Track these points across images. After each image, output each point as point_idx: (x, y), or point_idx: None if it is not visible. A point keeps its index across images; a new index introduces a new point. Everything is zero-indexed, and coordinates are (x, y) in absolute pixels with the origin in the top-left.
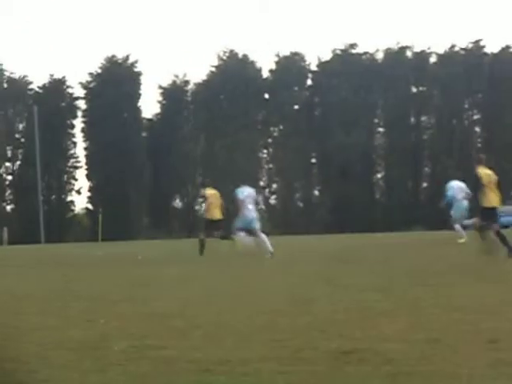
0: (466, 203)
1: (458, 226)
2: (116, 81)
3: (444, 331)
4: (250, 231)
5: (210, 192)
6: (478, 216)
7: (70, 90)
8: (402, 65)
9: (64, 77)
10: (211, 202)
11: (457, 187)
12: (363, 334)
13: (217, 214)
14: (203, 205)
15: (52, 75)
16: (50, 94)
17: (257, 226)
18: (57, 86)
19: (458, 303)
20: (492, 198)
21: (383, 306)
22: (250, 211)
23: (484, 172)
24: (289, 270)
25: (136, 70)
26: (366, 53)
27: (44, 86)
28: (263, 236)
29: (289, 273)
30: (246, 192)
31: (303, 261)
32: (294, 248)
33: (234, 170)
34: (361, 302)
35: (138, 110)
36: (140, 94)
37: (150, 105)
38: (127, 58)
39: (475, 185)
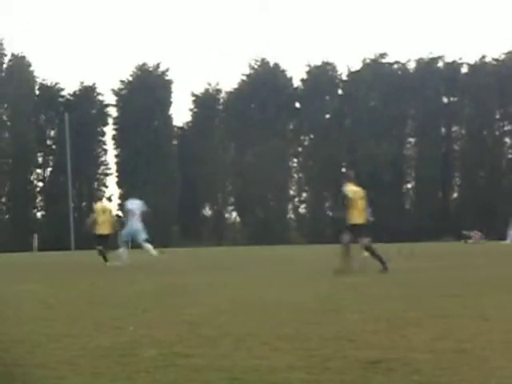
0: None
1: None
2: (147, 88)
3: (472, 341)
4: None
5: (99, 206)
6: (345, 232)
7: (100, 98)
8: (433, 75)
9: (94, 84)
10: (98, 216)
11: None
12: (391, 343)
13: (105, 229)
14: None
15: (82, 82)
16: (80, 101)
17: (142, 236)
18: (87, 93)
19: (486, 313)
20: (356, 216)
21: (411, 316)
22: (136, 222)
23: (351, 189)
24: (317, 279)
25: (167, 78)
26: (396, 62)
27: (75, 93)
28: (147, 246)
29: (317, 282)
30: (134, 204)
31: (332, 270)
32: (323, 257)
33: (263, 178)
34: (389, 312)
35: (169, 118)
36: (171, 102)
37: (181, 113)
38: (158, 66)
39: (343, 202)
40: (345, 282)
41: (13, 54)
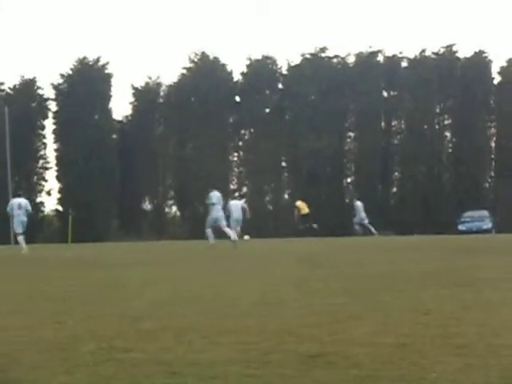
0: None
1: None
2: (87, 82)
3: (412, 336)
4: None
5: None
6: None
7: (40, 91)
8: (372, 69)
9: (35, 77)
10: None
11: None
12: (332, 337)
13: None
14: None
15: (23, 76)
16: (20, 94)
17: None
18: (27, 87)
19: (426, 308)
20: None
21: (352, 310)
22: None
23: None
24: (258, 273)
25: (107, 71)
26: (336, 56)
27: (15, 87)
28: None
29: (258, 276)
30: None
31: (272, 264)
32: (264, 251)
33: (204, 172)
34: (330, 306)
35: (109, 112)
36: (111, 96)
37: (121, 107)
38: (98, 59)
39: None
40: (287, 275)
41: None
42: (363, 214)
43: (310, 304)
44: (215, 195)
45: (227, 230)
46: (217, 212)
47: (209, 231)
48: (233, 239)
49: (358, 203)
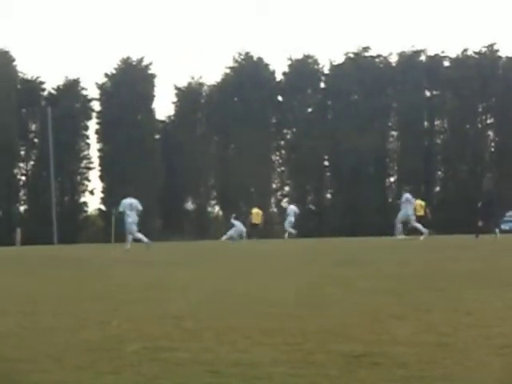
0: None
1: None
2: (130, 82)
3: (455, 335)
4: None
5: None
6: None
7: (84, 92)
8: (415, 68)
9: (78, 78)
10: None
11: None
12: (375, 337)
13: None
14: None
15: (67, 76)
16: (64, 95)
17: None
18: (71, 87)
19: (469, 307)
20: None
21: (395, 310)
22: None
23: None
24: (301, 273)
25: (150, 71)
26: (379, 56)
27: (58, 87)
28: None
29: (301, 275)
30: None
31: (315, 263)
32: (306, 250)
33: (246, 172)
34: (373, 305)
35: (151, 112)
36: (154, 96)
37: (164, 107)
38: (142, 59)
39: None
40: (329, 274)
41: None
42: (292, 219)
43: (352, 303)
44: (126, 203)
45: (139, 235)
46: (128, 218)
47: (130, 237)
48: (146, 242)
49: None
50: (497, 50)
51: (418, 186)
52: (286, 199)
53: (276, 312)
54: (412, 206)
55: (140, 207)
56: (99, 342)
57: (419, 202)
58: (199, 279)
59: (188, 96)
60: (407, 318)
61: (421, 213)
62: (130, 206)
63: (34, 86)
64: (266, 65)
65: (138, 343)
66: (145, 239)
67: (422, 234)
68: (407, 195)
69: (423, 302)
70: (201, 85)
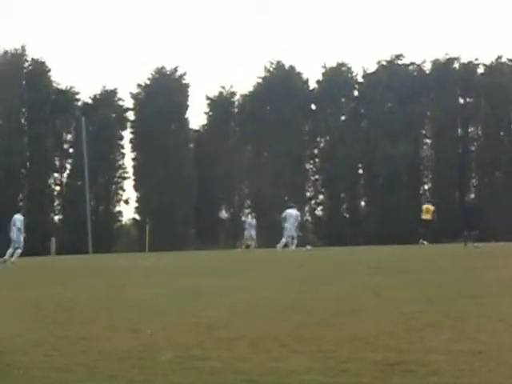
0: None
1: None
2: (164, 92)
3: (489, 343)
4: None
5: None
6: None
7: (120, 102)
8: (449, 76)
9: (116, 88)
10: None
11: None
12: (409, 345)
13: None
14: None
15: (104, 87)
16: (99, 105)
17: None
18: (107, 97)
19: (502, 314)
20: None
21: (429, 318)
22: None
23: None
24: (335, 281)
25: (184, 81)
26: (412, 63)
27: (94, 97)
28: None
29: (335, 284)
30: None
31: (350, 272)
32: (341, 259)
33: (280, 180)
34: (406, 314)
35: (185, 121)
36: (188, 106)
37: (197, 116)
38: (176, 69)
39: None
40: (363, 283)
41: (32, 59)
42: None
43: (386, 312)
44: (18, 219)
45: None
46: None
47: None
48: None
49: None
50: None
51: (452, 194)
52: (320, 207)
53: (311, 320)
54: (295, 221)
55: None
56: (132, 350)
57: (427, 206)
58: (234, 288)
59: (220, 105)
60: (441, 325)
61: (427, 217)
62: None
63: (68, 96)
64: (299, 73)
65: (171, 352)
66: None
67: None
68: (291, 211)
69: (457, 310)
70: (232, 94)
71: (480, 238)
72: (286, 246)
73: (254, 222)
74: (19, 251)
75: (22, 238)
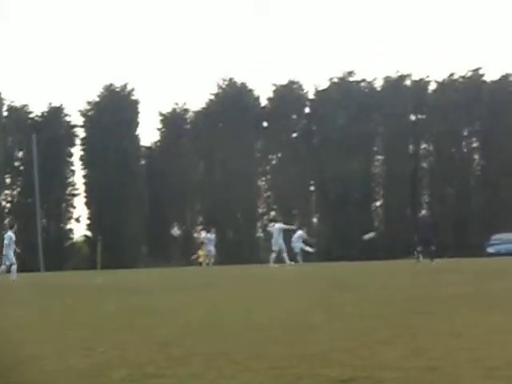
0: None
1: None
2: (114, 109)
3: (443, 359)
4: None
5: None
6: None
7: (68, 119)
8: (400, 93)
9: (62, 105)
10: None
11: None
12: (363, 361)
13: None
14: None
15: (50, 103)
16: (48, 122)
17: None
18: (55, 115)
19: (457, 331)
20: None
21: (382, 334)
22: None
23: None
24: (287, 298)
25: (134, 98)
26: (364, 80)
27: (43, 114)
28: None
29: (287, 300)
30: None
31: (302, 288)
32: (293, 275)
33: (232, 197)
34: (359, 330)
35: (136, 138)
36: (138, 122)
37: (149, 133)
38: (125, 86)
39: None
40: (316, 299)
41: None
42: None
43: (339, 328)
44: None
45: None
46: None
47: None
48: None
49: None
50: (482, 75)
51: (404, 210)
52: (271, 224)
53: (264, 337)
54: (281, 235)
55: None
56: (85, 369)
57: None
58: (187, 305)
59: (172, 122)
60: (394, 342)
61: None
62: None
63: (20, 113)
64: (250, 90)
65: (124, 370)
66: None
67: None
68: (274, 225)
69: (411, 326)
70: (185, 111)
71: (435, 254)
72: (281, 261)
73: (213, 236)
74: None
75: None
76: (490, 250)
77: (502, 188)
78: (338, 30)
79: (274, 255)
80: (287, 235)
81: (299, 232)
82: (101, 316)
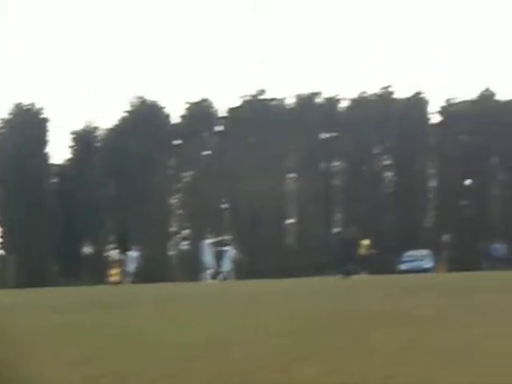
0: None
1: None
2: (23, 127)
3: (358, 375)
4: None
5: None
6: None
7: None
8: (312, 111)
9: None
10: None
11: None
12: (281, 379)
13: None
14: None
15: None
16: None
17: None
18: None
19: (368, 347)
20: None
21: (299, 351)
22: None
23: None
24: (204, 315)
25: (43, 116)
26: (275, 99)
27: None
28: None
29: (204, 318)
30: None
31: (219, 305)
32: (205, 293)
33: (144, 215)
34: (275, 347)
35: (45, 156)
36: (47, 140)
37: (61, 151)
38: (33, 104)
39: None
40: (231, 316)
41: None
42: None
43: (257, 346)
44: None
45: None
46: None
47: None
48: None
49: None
50: (393, 92)
51: (317, 228)
52: (184, 242)
53: (180, 355)
54: (208, 253)
55: None
56: None
57: (365, 242)
58: (100, 324)
59: (84, 140)
60: (312, 358)
61: (364, 252)
62: None
63: None
64: (161, 108)
65: None
66: None
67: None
68: (208, 242)
69: (327, 343)
70: (96, 128)
71: (354, 271)
72: (224, 278)
73: (135, 254)
74: None
75: None
76: (403, 266)
77: (413, 205)
78: (249, 47)
79: (209, 272)
80: (216, 252)
81: (227, 249)
82: (14, 335)
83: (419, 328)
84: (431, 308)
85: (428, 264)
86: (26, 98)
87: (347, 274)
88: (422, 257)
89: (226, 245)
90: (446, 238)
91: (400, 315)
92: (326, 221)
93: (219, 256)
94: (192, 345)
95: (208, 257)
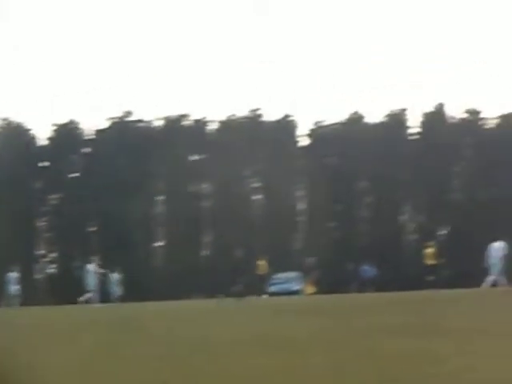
0: None
1: None
2: None
3: None
4: None
5: None
6: None
7: None
8: (180, 133)
9: None
10: None
11: None
12: None
13: None
14: None
15: None
16: None
17: None
18: None
19: (233, 372)
20: None
21: (163, 375)
22: None
23: None
24: (65, 342)
25: None
26: (142, 121)
27: None
28: None
29: (64, 344)
30: None
31: (82, 330)
32: (72, 318)
33: (10, 238)
34: (143, 372)
35: None
36: None
37: None
38: None
39: None
40: (95, 342)
41: None
42: None
43: (123, 372)
44: None
45: None
46: None
47: None
48: None
49: None
50: (261, 115)
51: (185, 250)
52: (53, 265)
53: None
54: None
55: None
56: None
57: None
58: None
59: None
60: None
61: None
62: None
63: None
64: (27, 130)
65: None
66: None
67: None
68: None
69: (193, 367)
70: None
71: (243, 293)
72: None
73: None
74: None
75: None
76: (272, 288)
77: (282, 227)
78: (114, 70)
79: (88, 295)
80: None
81: (115, 275)
82: None
83: (286, 353)
84: (299, 330)
85: (296, 286)
86: None
87: (239, 295)
88: (290, 279)
89: (103, 268)
90: (311, 260)
91: (269, 340)
92: (194, 243)
93: (102, 280)
94: (62, 373)
95: (91, 280)
